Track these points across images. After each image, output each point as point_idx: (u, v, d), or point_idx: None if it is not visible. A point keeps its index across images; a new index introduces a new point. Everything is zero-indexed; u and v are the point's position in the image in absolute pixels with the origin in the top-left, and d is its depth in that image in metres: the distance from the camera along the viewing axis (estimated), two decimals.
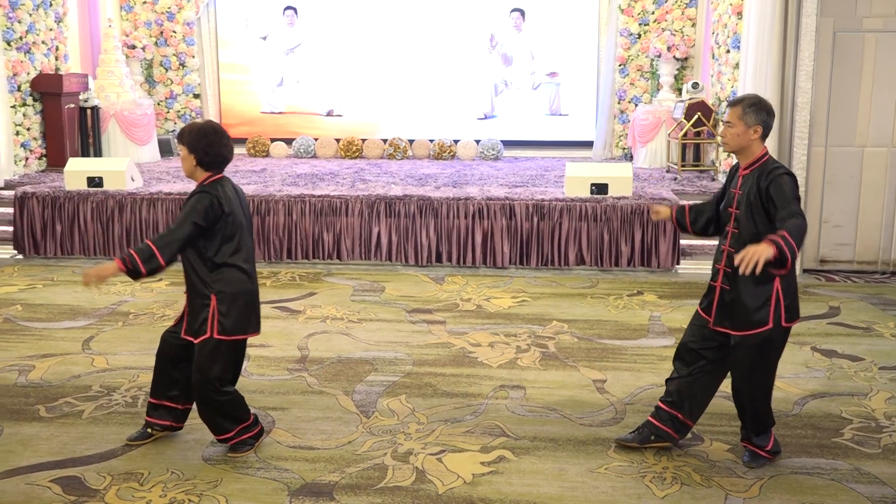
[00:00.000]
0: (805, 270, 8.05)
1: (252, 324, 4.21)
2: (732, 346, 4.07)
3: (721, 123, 4.00)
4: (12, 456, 4.25)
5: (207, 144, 4.07)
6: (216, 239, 4.06)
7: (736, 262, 3.62)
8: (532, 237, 8.19)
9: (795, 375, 5.41)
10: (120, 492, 3.89)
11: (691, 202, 4.42)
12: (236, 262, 4.11)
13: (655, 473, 4.07)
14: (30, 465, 4.15)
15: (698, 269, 8.20)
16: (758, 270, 3.57)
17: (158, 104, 12.54)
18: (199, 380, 4.11)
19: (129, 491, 3.90)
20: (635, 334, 6.22)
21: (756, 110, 3.89)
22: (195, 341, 4.12)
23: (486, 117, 12.51)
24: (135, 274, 3.95)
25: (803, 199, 7.91)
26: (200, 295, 4.08)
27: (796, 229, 3.66)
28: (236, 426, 4.23)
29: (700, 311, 4.24)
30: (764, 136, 3.94)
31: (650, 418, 4.34)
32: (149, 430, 4.40)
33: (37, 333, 6.24)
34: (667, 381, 4.36)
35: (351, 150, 12.05)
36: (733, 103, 3.96)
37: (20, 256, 8.75)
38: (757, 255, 3.54)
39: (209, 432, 4.30)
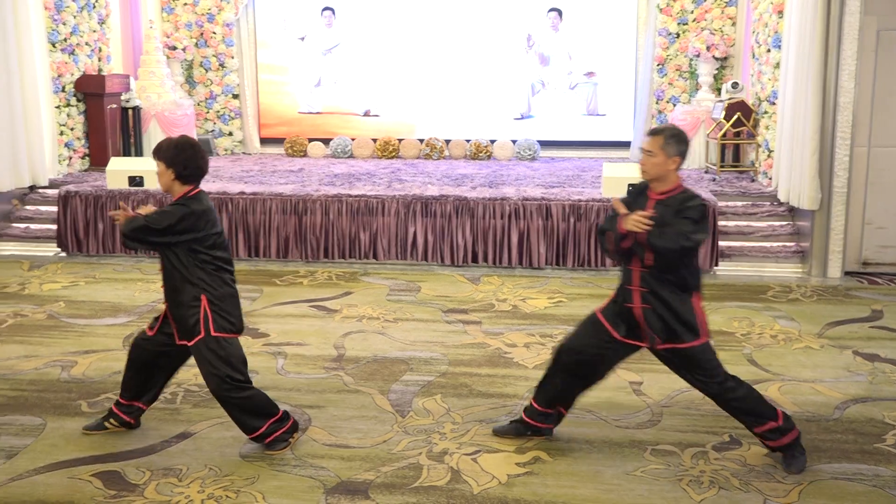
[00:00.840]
0: (847, 273, 7.93)
1: (239, 324, 4.24)
2: (680, 357, 4.08)
3: (642, 152, 4.08)
4: (55, 450, 4.33)
5: (186, 159, 4.12)
6: (204, 247, 4.10)
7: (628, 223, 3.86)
8: (568, 238, 8.16)
9: (836, 380, 5.33)
10: (159, 487, 3.94)
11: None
12: (225, 267, 4.19)
13: (692, 477, 4.04)
14: (72, 459, 4.23)
15: (737, 270, 8.13)
16: (636, 228, 3.84)
17: (198, 104, 12.68)
18: (213, 382, 4.14)
19: (167, 486, 3.95)
20: None
21: (676, 141, 3.97)
22: (190, 343, 4.15)
23: (522, 117, 12.48)
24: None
25: (846, 199, 7.81)
26: (189, 297, 4.10)
27: (670, 236, 3.85)
28: (266, 421, 4.26)
29: (605, 322, 4.19)
30: (679, 166, 4.02)
31: (525, 416, 4.44)
32: (106, 422, 4.50)
33: (79, 330, 6.35)
34: (545, 382, 4.35)
35: (388, 150, 12.09)
36: (654, 133, 4.03)
37: (63, 254, 8.91)
38: (636, 224, 3.83)
39: None
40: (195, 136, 11.94)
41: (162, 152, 4.14)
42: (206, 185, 9.05)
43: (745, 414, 4.11)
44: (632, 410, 4.82)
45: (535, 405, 4.40)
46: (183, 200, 4.12)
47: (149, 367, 4.38)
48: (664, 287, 4.00)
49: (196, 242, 4.08)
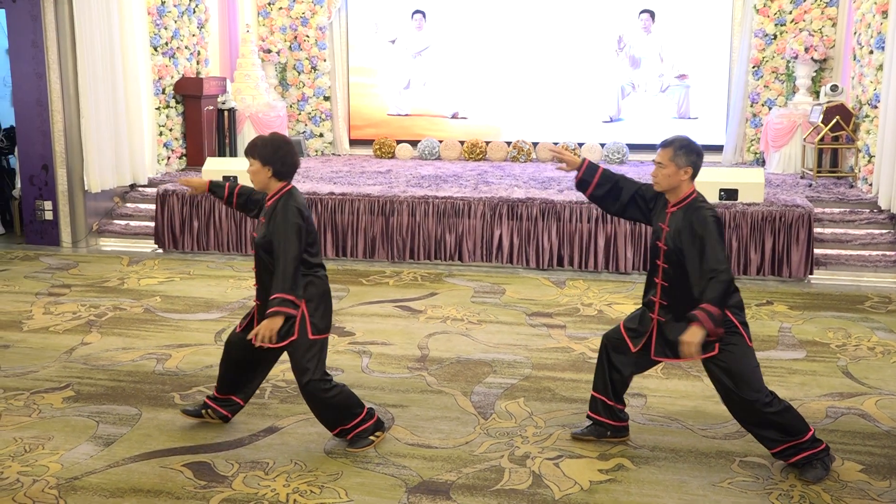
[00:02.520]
0: None
1: (329, 323, 4.27)
2: (715, 366, 4.01)
3: (655, 164, 4.09)
4: (149, 440, 4.48)
5: (283, 155, 4.16)
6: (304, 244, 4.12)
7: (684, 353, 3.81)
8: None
9: None
10: (246, 479, 4.04)
11: (606, 167, 4.36)
12: (318, 263, 4.21)
13: (782, 491, 3.92)
14: (164, 449, 4.37)
15: (833, 279, 7.86)
16: (695, 356, 3.83)
17: (290, 106, 12.96)
18: (306, 381, 4.13)
19: (255, 479, 4.05)
20: (764, 345, 6.00)
21: (686, 152, 4.00)
22: (278, 346, 4.11)
23: (611, 120, 12.34)
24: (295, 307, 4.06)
25: None
26: None
27: (718, 295, 3.81)
28: (350, 421, 4.29)
29: (627, 337, 4.23)
30: (693, 176, 4.03)
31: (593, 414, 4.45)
32: (203, 411, 4.58)
33: (173, 324, 6.56)
34: (601, 375, 4.39)
35: (475, 152, 12.12)
36: (665, 145, 4.04)
37: (160, 251, 9.23)
38: (692, 347, 3.75)
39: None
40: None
41: (258, 150, 4.16)
42: (297, 184, 9.23)
43: (778, 429, 3.98)
44: (720, 420, 4.71)
45: (605, 400, 4.39)
46: (287, 207, 4.09)
47: (242, 363, 4.44)
48: (683, 301, 4.00)
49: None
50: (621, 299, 7.21)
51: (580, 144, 11.95)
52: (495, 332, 6.33)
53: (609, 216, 8.02)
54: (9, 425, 4.66)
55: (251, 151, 4.20)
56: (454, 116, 12.83)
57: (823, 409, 4.87)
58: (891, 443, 4.43)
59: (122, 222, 9.76)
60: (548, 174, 10.34)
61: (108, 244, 9.52)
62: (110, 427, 4.64)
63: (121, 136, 9.67)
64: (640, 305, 4.29)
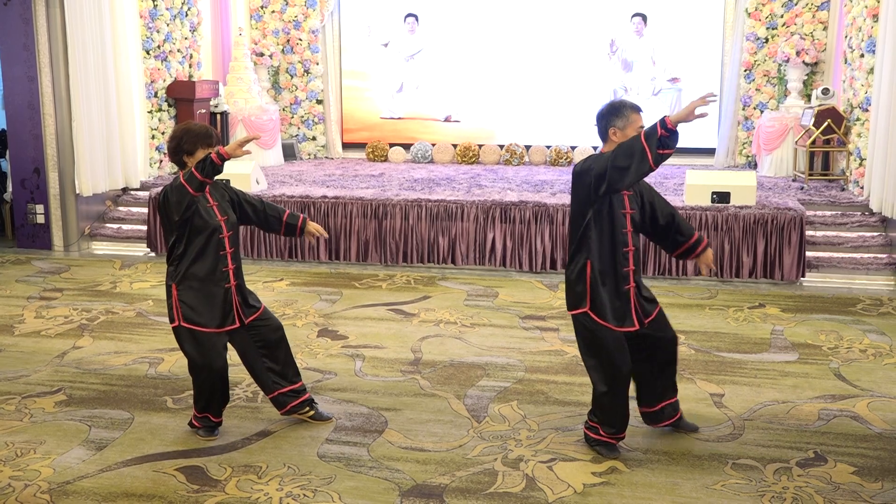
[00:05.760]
0: None
1: None
2: (653, 326, 4.30)
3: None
4: (142, 443, 4.47)
5: None
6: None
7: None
8: (649, 246, 8.03)
9: None
10: (239, 483, 4.04)
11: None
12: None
13: (775, 493, 3.93)
14: (157, 453, 4.36)
15: (825, 282, 7.88)
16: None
17: (283, 110, 12.95)
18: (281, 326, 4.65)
19: (248, 483, 4.04)
20: (756, 348, 6.02)
21: None
22: (258, 314, 4.55)
23: None
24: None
25: None
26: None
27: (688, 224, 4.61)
28: None
29: (617, 328, 4.19)
30: None
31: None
32: (304, 410, 4.67)
33: (166, 328, 6.52)
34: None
35: (468, 155, 12.13)
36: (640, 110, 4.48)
37: (153, 254, 9.20)
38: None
39: (324, 429, 4.44)
40: (280, 141, 12.20)
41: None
42: (290, 188, 9.24)
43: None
44: (712, 423, 4.72)
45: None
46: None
47: (253, 360, 4.63)
48: (641, 257, 4.40)
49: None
50: None
51: (573, 147, 11.97)
52: (488, 335, 6.34)
53: None
54: (0, 430, 4.64)
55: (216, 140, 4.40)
56: (447, 120, 12.84)
57: (816, 411, 4.88)
58: (883, 445, 4.45)
59: (114, 226, 9.74)
60: (540, 177, 10.35)
61: (100, 248, 9.50)
62: (102, 431, 4.62)
63: (113, 140, 9.65)
64: (606, 293, 4.20)
